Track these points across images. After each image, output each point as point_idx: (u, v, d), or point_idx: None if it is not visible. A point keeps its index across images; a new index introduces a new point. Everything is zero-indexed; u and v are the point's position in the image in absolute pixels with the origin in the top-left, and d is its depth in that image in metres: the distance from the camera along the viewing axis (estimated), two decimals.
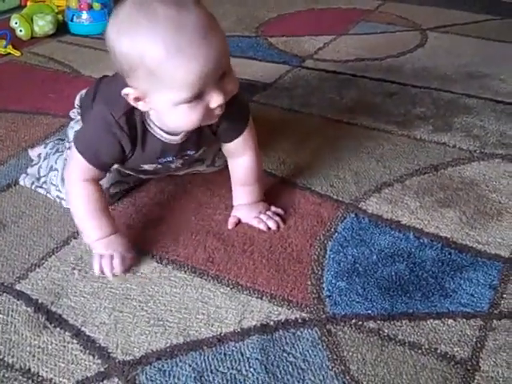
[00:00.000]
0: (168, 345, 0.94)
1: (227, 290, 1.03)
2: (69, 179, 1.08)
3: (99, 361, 0.91)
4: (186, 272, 1.07)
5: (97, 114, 1.04)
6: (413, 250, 1.12)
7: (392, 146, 1.44)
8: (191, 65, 0.88)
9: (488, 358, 0.91)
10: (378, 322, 0.97)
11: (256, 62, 1.90)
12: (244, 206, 1.19)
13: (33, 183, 1.28)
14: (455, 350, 0.92)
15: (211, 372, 0.90)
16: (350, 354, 0.92)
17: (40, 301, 1.01)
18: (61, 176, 1.20)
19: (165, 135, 1.05)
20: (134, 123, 1.03)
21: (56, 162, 1.25)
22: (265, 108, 1.61)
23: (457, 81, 1.76)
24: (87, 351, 0.93)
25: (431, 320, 0.97)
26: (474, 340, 0.94)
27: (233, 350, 0.93)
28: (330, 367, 0.90)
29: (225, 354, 0.92)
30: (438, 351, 0.92)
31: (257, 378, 0.88)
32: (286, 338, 0.95)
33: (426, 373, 0.89)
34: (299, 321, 0.97)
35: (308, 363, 0.91)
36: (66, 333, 0.96)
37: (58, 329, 0.96)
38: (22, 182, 1.29)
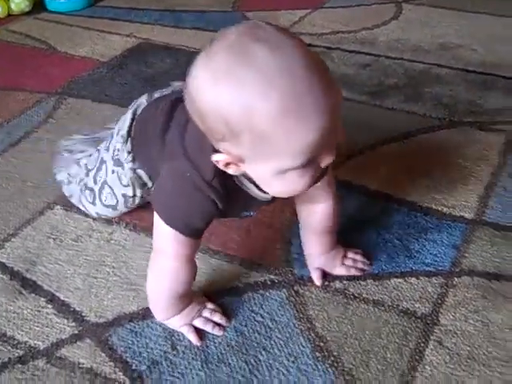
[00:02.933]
0: (140, 308, 0.97)
1: (199, 254, 1.05)
2: (160, 254, 0.90)
3: (73, 324, 0.94)
4: None
5: (181, 175, 0.83)
6: (380, 214, 1.15)
7: (364, 116, 1.46)
8: (311, 125, 0.69)
9: (447, 312, 0.95)
10: (344, 282, 1.00)
11: None
12: (323, 255, 1.03)
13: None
14: (416, 306, 0.96)
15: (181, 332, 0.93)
16: (316, 312, 0.96)
17: (15, 268, 1.04)
18: (94, 196, 1.11)
19: (260, 193, 0.88)
20: (226, 181, 0.83)
21: (95, 181, 1.10)
22: None
23: (430, 52, 1.79)
24: (61, 315, 0.96)
25: (395, 279, 1.01)
26: (435, 297, 0.97)
27: None
28: (297, 325, 0.94)
29: None
30: (400, 308, 0.96)
31: (226, 337, 0.92)
32: (254, 299, 0.98)
33: (388, 328, 0.92)
34: (268, 283, 1.01)
35: (275, 322, 0.94)
36: (41, 298, 0.99)
37: (32, 294, 0.99)
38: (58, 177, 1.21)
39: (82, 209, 1.14)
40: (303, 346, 0.90)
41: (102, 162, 1.08)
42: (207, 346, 0.91)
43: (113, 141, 1.06)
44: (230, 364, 0.88)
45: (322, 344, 0.90)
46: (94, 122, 1.42)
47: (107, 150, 1.08)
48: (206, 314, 0.95)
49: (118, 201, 1.09)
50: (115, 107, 1.49)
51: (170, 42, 1.89)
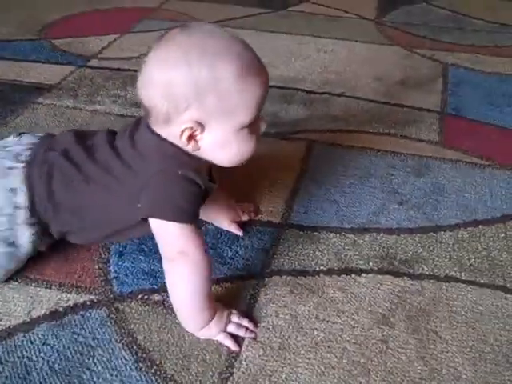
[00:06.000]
0: None
1: (15, 284, 1.05)
2: (179, 260, 0.94)
3: None
4: None
5: (172, 176, 0.93)
6: None
7: None
8: (260, 80, 0.91)
9: (260, 310, 1.02)
10: (163, 293, 1.04)
11: (40, 65, 1.89)
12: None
13: None
14: (231, 308, 1.02)
15: (1, 363, 0.92)
16: (137, 325, 0.99)
17: None
18: None
19: (210, 184, 1.01)
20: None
21: None
22: (49, 109, 1.62)
23: None
24: None
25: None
26: (248, 297, 1.05)
27: (22, 340, 0.96)
28: (119, 340, 0.96)
29: (15, 346, 0.95)
30: None
31: (47, 361, 0.93)
32: (75, 321, 0.99)
33: None
34: (88, 303, 1.02)
35: (97, 340, 0.96)
36: None
37: None
38: None
39: None
40: (126, 360, 0.93)
41: None
42: (29, 373, 0.91)
43: None
44: None
45: (144, 355, 0.94)
46: None
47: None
48: (235, 319, 0.98)
49: None
50: None
51: None
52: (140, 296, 1.04)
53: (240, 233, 1.18)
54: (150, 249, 1.14)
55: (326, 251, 1.15)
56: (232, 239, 1.18)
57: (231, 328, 0.97)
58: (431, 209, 1.27)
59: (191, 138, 0.91)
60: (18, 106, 1.64)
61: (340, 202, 1.29)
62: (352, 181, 1.36)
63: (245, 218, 1.22)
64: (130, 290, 1.05)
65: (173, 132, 0.91)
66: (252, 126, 0.93)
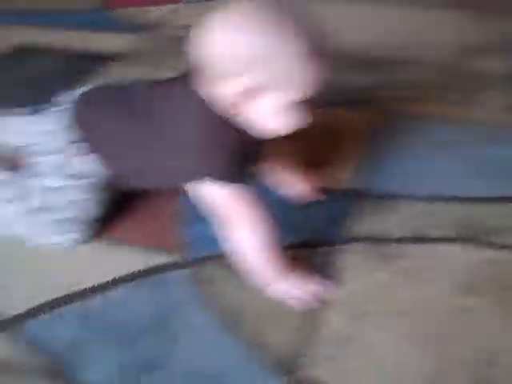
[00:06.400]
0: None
1: (101, 244, 1.11)
2: (234, 221, 0.97)
3: None
4: None
5: (218, 139, 0.95)
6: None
7: None
8: (318, 67, 0.90)
9: (335, 276, 1.03)
10: None
11: (103, 34, 1.91)
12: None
13: None
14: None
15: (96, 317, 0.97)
16: (217, 287, 1.02)
17: None
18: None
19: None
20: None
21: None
22: (113, 77, 1.64)
23: None
24: None
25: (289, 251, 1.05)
26: (323, 264, 1.05)
27: (106, 300, 1.00)
28: (199, 301, 0.99)
29: (112, 300, 1.00)
30: None
31: (141, 320, 0.97)
32: (156, 282, 1.03)
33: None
34: (168, 265, 1.06)
35: (178, 302, 0.99)
36: None
37: None
38: None
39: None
40: (207, 320, 0.96)
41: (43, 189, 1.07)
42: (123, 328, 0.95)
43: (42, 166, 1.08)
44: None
45: (224, 316, 0.96)
46: None
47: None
48: (310, 280, 1.00)
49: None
50: None
51: (50, 44, 1.87)
52: (218, 259, 1.06)
53: (308, 200, 1.18)
54: None
55: (399, 220, 1.14)
56: (303, 208, 1.18)
57: (306, 288, 0.99)
58: (510, 177, 1.24)
59: (240, 101, 0.92)
60: (83, 75, 1.66)
61: (412, 171, 1.27)
62: (423, 149, 1.34)
63: (313, 186, 1.21)
64: (207, 254, 1.07)
65: (223, 93, 0.92)
66: (303, 104, 0.93)
